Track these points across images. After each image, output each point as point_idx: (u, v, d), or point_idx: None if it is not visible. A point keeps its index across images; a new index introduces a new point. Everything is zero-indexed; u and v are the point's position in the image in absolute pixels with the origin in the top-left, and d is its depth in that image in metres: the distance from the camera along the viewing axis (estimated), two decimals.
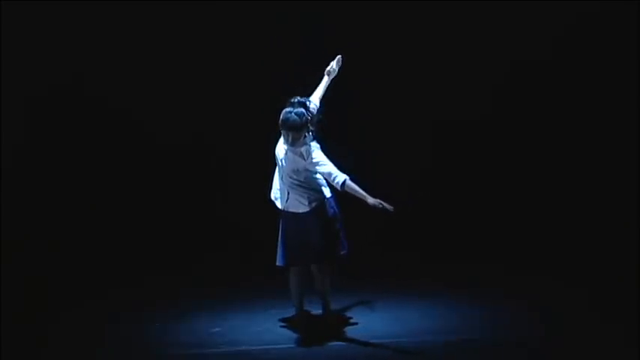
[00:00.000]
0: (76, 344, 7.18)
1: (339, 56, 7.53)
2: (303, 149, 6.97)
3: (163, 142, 9.81)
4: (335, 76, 7.51)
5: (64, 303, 8.08)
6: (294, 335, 7.21)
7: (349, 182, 6.83)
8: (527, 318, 7.45)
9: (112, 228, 9.58)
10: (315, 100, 7.32)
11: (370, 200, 6.76)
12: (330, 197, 7.14)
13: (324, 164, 6.95)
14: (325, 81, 7.49)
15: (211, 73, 9.77)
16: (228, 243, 9.43)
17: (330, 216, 7.09)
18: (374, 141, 9.74)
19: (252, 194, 8.67)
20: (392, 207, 6.75)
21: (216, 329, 7.34)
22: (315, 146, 7.03)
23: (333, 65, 7.48)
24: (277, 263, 7.20)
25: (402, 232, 9.45)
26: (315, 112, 7.17)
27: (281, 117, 6.96)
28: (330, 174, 6.90)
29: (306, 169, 6.98)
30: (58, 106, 9.71)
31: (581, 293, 7.93)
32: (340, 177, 6.86)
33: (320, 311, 7.48)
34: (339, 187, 6.91)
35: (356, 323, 7.40)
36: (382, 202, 6.74)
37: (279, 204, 7.18)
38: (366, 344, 6.95)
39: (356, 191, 6.82)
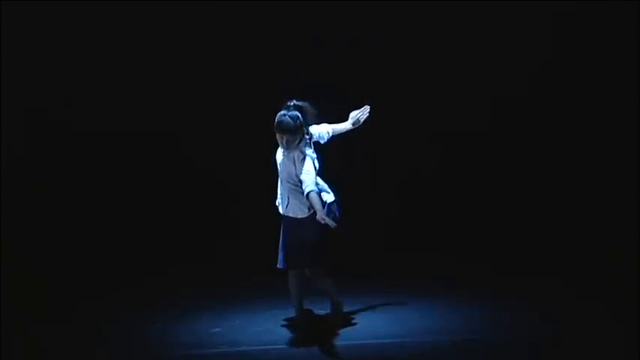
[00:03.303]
0: (76, 344, 7.18)
1: (367, 107, 7.50)
2: (295, 154, 7.06)
3: (163, 143, 9.80)
4: (359, 126, 7.51)
5: (64, 303, 8.06)
6: (294, 336, 7.22)
7: (312, 194, 6.96)
8: (527, 318, 7.45)
9: (111, 228, 9.56)
10: (327, 129, 7.36)
11: (318, 215, 6.91)
12: (332, 202, 7.20)
13: (306, 172, 7.03)
14: (347, 124, 7.49)
15: (212, 73, 9.77)
16: (228, 243, 9.42)
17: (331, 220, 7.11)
18: (374, 142, 9.74)
19: (253, 194, 8.71)
20: (334, 224, 6.92)
21: (216, 329, 7.34)
22: (309, 154, 7.08)
23: (359, 117, 7.47)
24: (278, 266, 7.25)
25: (402, 233, 9.48)
26: (323, 140, 7.31)
27: (275, 119, 7.01)
28: (302, 182, 7.03)
29: (297, 175, 7.03)
30: (58, 104, 9.71)
31: (582, 293, 7.93)
32: (307, 188, 6.98)
33: (322, 311, 7.51)
34: (304, 196, 7.03)
35: (356, 323, 7.41)
36: (325, 219, 6.88)
37: (280, 209, 7.22)
38: (366, 344, 6.96)
39: (313, 203, 6.96)
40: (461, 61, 9.78)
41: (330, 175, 7.36)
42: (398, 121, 9.77)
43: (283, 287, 7.41)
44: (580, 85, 9.73)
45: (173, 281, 8.61)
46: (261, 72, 9.62)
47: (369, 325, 7.34)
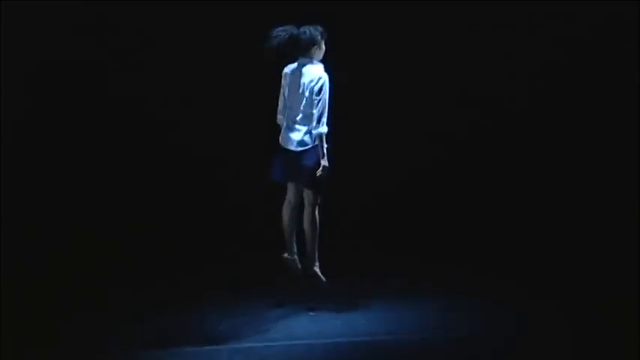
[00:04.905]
0: (78, 340, 7.24)
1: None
2: None
3: (172, 140, 9.82)
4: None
5: (65, 303, 8.11)
6: (296, 332, 7.31)
7: None
8: (526, 317, 7.57)
9: (116, 227, 9.59)
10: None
11: None
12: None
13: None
14: None
15: (218, 73, 9.79)
16: (232, 243, 9.47)
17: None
18: (366, 143, 9.83)
19: (260, 193, 8.75)
20: None
21: (221, 326, 7.42)
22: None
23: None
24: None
25: (400, 235, 9.62)
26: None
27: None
28: None
29: None
30: (62, 103, 9.72)
31: (581, 294, 8.05)
32: None
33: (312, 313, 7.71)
34: None
35: (356, 322, 7.52)
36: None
37: None
38: (366, 342, 7.08)
39: None
40: (455, 63, 9.83)
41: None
42: (387, 124, 9.86)
43: (286, 287, 7.63)
44: (576, 86, 9.78)
45: (179, 279, 8.64)
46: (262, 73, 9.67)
47: (370, 324, 7.46)
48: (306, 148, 7.56)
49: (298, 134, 7.58)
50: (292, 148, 7.60)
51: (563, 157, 9.82)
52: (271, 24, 7.63)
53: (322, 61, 7.68)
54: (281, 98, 7.70)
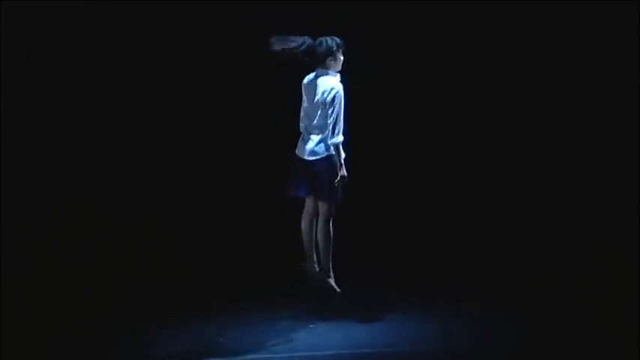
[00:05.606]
0: (75, 348, 7.26)
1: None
2: None
3: (187, 144, 9.84)
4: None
5: (64, 307, 8.13)
6: (297, 344, 7.33)
7: None
8: (526, 327, 7.56)
9: (116, 231, 9.57)
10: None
11: None
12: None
13: None
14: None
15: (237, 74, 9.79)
16: (233, 252, 9.44)
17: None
18: (362, 145, 9.73)
19: (263, 202, 8.74)
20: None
21: (222, 338, 7.44)
22: None
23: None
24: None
25: (400, 244, 9.58)
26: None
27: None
28: None
29: None
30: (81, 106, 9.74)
31: (581, 297, 8.06)
32: None
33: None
34: None
35: (357, 333, 7.52)
36: None
37: None
38: (367, 354, 7.10)
39: None
40: (452, 62, 9.81)
41: None
42: (383, 128, 9.83)
43: (288, 298, 7.69)
44: (575, 86, 9.75)
45: (181, 291, 8.61)
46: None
47: (370, 335, 7.48)
48: (318, 157, 7.65)
49: (311, 144, 7.69)
50: (305, 157, 7.70)
51: (564, 159, 9.83)
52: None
53: (341, 71, 7.74)
54: (301, 108, 7.81)
